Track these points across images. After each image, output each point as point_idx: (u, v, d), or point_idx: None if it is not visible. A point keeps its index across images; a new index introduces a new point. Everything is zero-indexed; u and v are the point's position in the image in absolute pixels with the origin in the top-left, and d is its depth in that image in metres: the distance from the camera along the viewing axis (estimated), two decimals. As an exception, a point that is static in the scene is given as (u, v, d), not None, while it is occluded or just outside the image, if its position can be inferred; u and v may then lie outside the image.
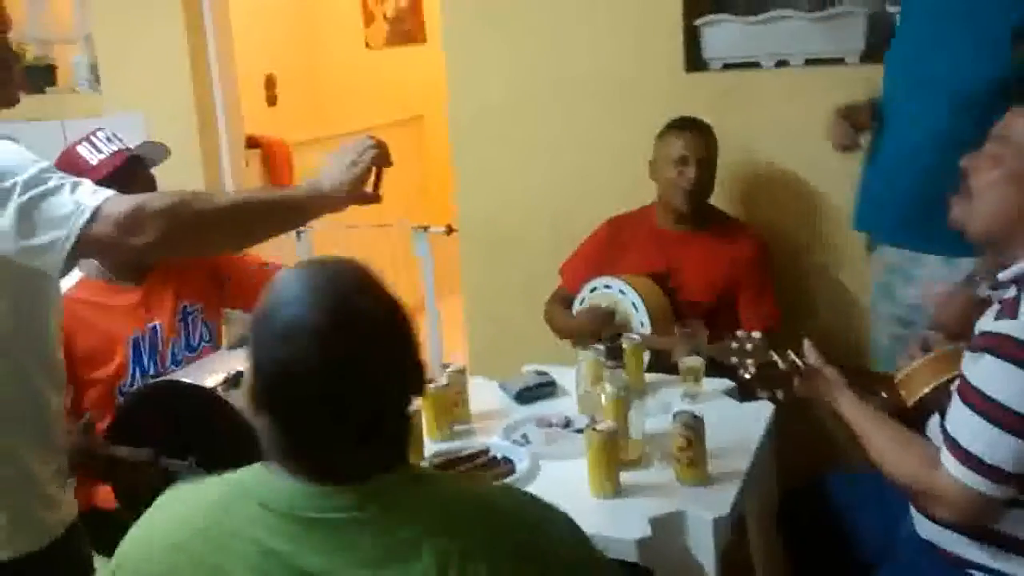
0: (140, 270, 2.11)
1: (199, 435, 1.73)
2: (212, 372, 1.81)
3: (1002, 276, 1.50)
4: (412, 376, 1.02)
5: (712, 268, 2.48)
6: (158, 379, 1.94)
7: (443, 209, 3.76)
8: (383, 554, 0.95)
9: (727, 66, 2.75)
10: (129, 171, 1.98)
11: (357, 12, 4.80)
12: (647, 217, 2.59)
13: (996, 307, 1.48)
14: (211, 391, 1.75)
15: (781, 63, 2.68)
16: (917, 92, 2.17)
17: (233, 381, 1.75)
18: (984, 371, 1.41)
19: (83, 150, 2.00)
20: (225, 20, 3.57)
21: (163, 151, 2.12)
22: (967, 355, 1.48)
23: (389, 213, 4.30)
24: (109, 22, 3.57)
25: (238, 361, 1.85)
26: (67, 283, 1.77)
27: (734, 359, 1.79)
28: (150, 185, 2.05)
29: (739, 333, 1.82)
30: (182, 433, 1.75)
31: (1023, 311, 1.39)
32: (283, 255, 2.78)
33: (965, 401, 1.43)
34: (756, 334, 1.81)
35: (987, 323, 1.46)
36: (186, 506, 1.03)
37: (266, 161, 4.00)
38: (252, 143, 3.89)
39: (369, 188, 1.57)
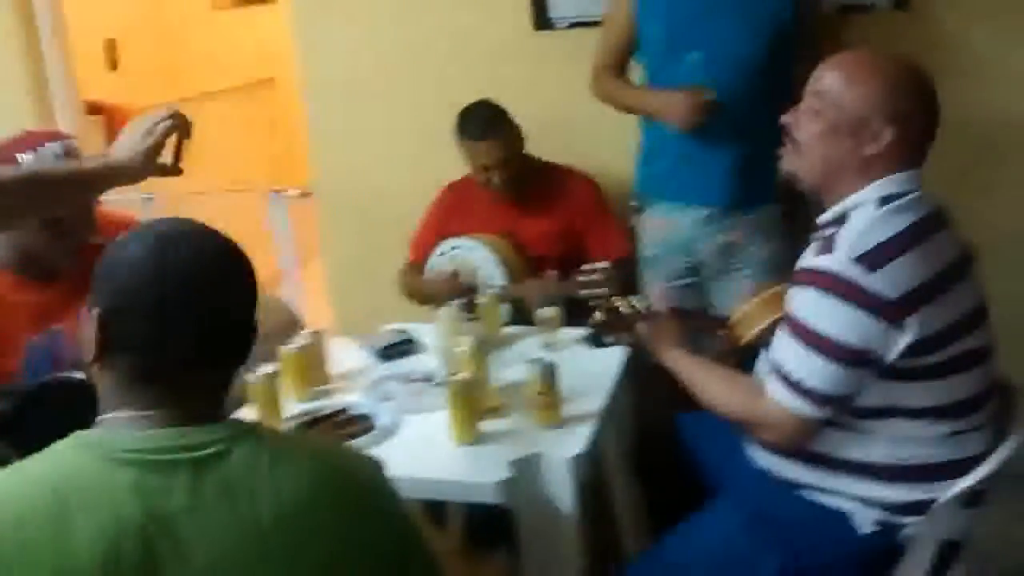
0: (49, 269, 1.95)
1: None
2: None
3: (820, 219, 1.62)
4: (243, 311, 1.09)
5: (552, 220, 2.57)
6: (47, 377, 1.80)
7: (299, 174, 3.70)
8: (231, 487, 1.00)
9: (573, 25, 2.81)
10: None
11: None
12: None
13: (816, 245, 1.59)
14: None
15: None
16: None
17: None
18: (803, 302, 1.52)
19: None
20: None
21: None
22: (790, 289, 1.60)
23: (243, 178, 4.25)
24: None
25: None
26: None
27: (585, 291, 1.86)
28: None
29: (585, 266, 1.89)
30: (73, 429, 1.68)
31: (838, 247, 1.51)
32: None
33: (788, 331, 1.54)
34: (601, 263, 1.88)
35: (807, 260, 1.57)
36: (24, 479, 1.01)
37: (109, 128, 3.83)
38: (94, 110, 3.73)
39: (169, 160, 1.55)
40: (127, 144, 1.49)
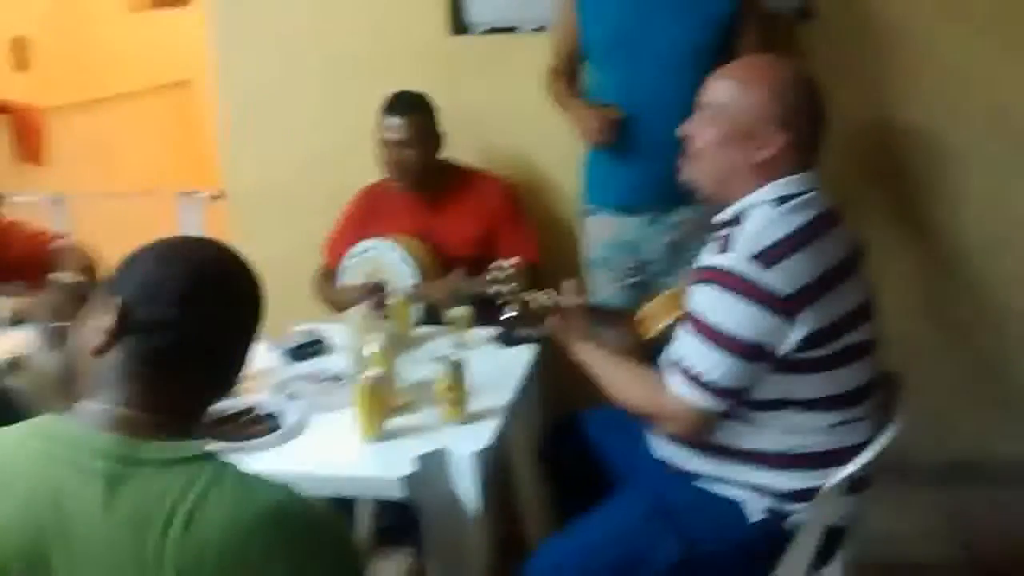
0: None
1: None
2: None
3: (715, 219, 1.68)
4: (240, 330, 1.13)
5: (465, 222, 2.59)
6: None
7: (214, 178, 3.66)
8: (142, 517, 0.97)
9: (490, 29, 2.85)
10: None
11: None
12: (398, 184, 2.65)
13: (713, 245, 1.65)
14: None
15: (539, 28, 2.81)
16: (633, 66, 2.34)
17: (11, 365, 1.68)
18: (703, 299, 1.58)
19: None
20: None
21: None
22: (690, 288, 1.65)
23: (155, 181, 4.17)
24: None
25: (8, 339, 1.76)
26: None
27: (492, 289, 1.89)
28: None
29: (492, 264, 1.92)
30: None
31: (734, 246, 1.57)
32: (41, 223, 2.63)
33: (688, 327, 1.60)
34: (508, 261, 1.91)
35: (706, 259, 1.63)
36: None
37: (15, 128, 3.73)
38: (1, 109, 3.63)
39: None
40: None
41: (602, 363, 1.76)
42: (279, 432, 1.82)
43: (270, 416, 1.90)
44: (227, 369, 1.13)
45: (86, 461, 0.99)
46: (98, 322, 1.06)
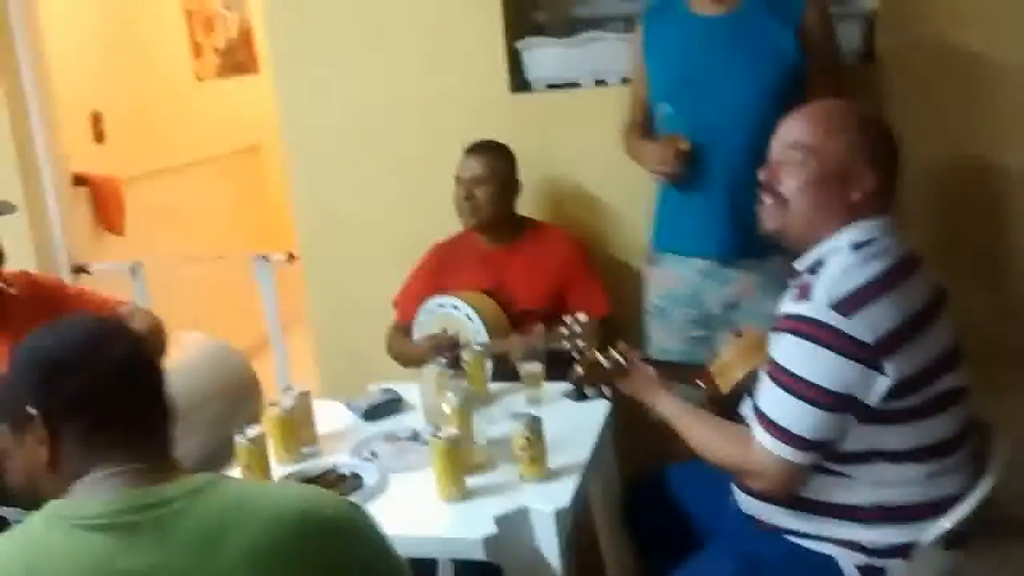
0: None
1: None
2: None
3: (798, 264, 1.66)
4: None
5: (536, 275, 2.60)
6: None
7: (285, 239, 3.74)
8: (198, 539, 1.02)
9: (551, 86, 2.89)
10: None
11: (185, 45, 4.73)
12: (469, 239, 2.69)
13: (795, 291, 1.63)
14: None
15: (600, 82, 2.83)
16: (705, 114, 2.30)
17: None
18: (785, 349, 1.55)
19: None
20: (42, 59, 3.45)
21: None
22: (772, 336, 1.62)
23: (230, 245, 4.28)
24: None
25: None
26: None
27: (566, 344, 1.88)
28: None
29: (566, 318, 1.91)
30: None
31: (815, 294, 1.54)
32: (119, 291, 2.71)
33: (771, 378, 1.57)
34: (581, 316, 1.90)
35: (787, 306, 1.61)
36: None
37: (96, 199, 3.87)
38: (79, 181, 3.76)
39: None
40: None
41: (684, 416, 1.73)
42: (361, 492, 1.83)
43: (352, 476, 1.91)
44: (161, 395, 1.18)
45: (117, 520, 1.02)
46: (31, 450, 1.10)
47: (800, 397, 1.51)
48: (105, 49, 4.15)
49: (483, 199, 2.60)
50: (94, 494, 1.06)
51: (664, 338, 2.45)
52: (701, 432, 1.69)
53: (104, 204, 3.87)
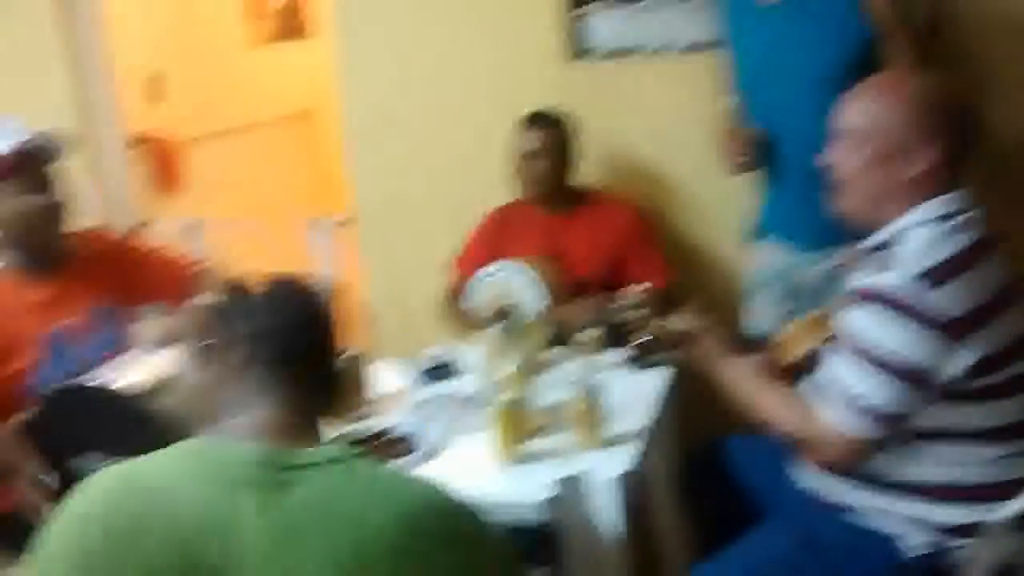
0: (54, 262, 2.05)
1: (110, 437, 1.71)
2: (129, 371, 1.80)
3: (865, 244, 1.62)
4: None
5: (596, 243, 2.59)
6: (70, 382, 1.87)
7: (336, 204, 3.76)
8: (314, 510, 1.01)
9: (610, 53, 2.85)
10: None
11: (241, 8, 4.75)
12: (528, 207, 2.68)
13: (869, 267, 1.59)
14: (123, 393, 1.74)
15: (660, 49, 2.78)
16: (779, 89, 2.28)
17: (158, 388, 1.76)
18: (861, 319, 1.51)
19: None
20: (103, 20, 3.48)
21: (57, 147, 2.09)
22: (845, 310, 1.59)
23: (281, 208, 4.30)
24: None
25: (155, 362, 1.85)
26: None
27: (626, 315, 1.87)
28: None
29: (626, 288, 1.90)
30: (95, 435, 1.72)
31: (898, 266, 1.50)
32: (179, 248, 2.74)
33: (846, 350, 1.53)
34: (642, 286, 1.89)
35: (865, 280, 1.56)
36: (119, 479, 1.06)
37: (154, 159, 3.91)
38: (138, 142, 3.81)
39: None
40: None
41: (748, 385, 1.70)
42: (417, 453, 1.84)
43: (402, 439, 1.91)
44: (332, 367, 1.19)
45: (243, 474, 1.02)
46: (212, 372, 1.14)
47: (875, 367, 1.48)
48: (163, 9, 4.18)
49: (539, 173, 2.59)
50: (229, 438, 1.08)
51: (764, 313, 2.44)
52: (764, 401, 1.66)
53: (161, 164, 3.91)
